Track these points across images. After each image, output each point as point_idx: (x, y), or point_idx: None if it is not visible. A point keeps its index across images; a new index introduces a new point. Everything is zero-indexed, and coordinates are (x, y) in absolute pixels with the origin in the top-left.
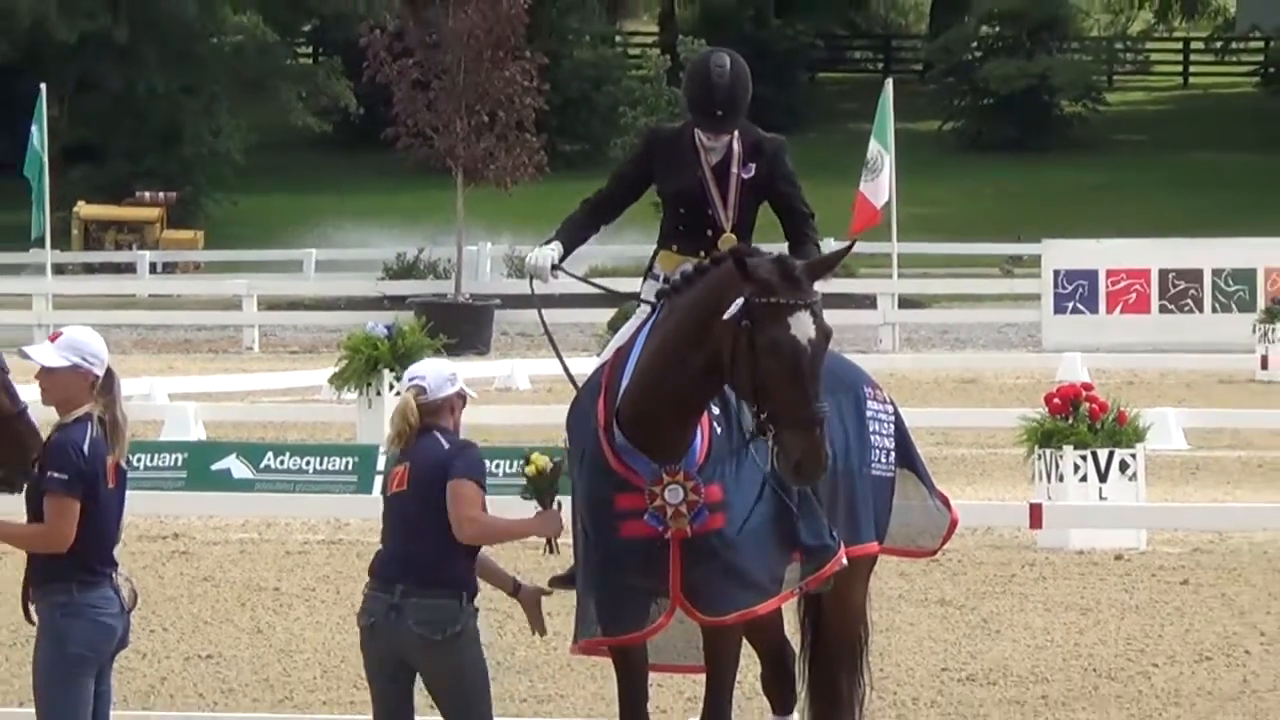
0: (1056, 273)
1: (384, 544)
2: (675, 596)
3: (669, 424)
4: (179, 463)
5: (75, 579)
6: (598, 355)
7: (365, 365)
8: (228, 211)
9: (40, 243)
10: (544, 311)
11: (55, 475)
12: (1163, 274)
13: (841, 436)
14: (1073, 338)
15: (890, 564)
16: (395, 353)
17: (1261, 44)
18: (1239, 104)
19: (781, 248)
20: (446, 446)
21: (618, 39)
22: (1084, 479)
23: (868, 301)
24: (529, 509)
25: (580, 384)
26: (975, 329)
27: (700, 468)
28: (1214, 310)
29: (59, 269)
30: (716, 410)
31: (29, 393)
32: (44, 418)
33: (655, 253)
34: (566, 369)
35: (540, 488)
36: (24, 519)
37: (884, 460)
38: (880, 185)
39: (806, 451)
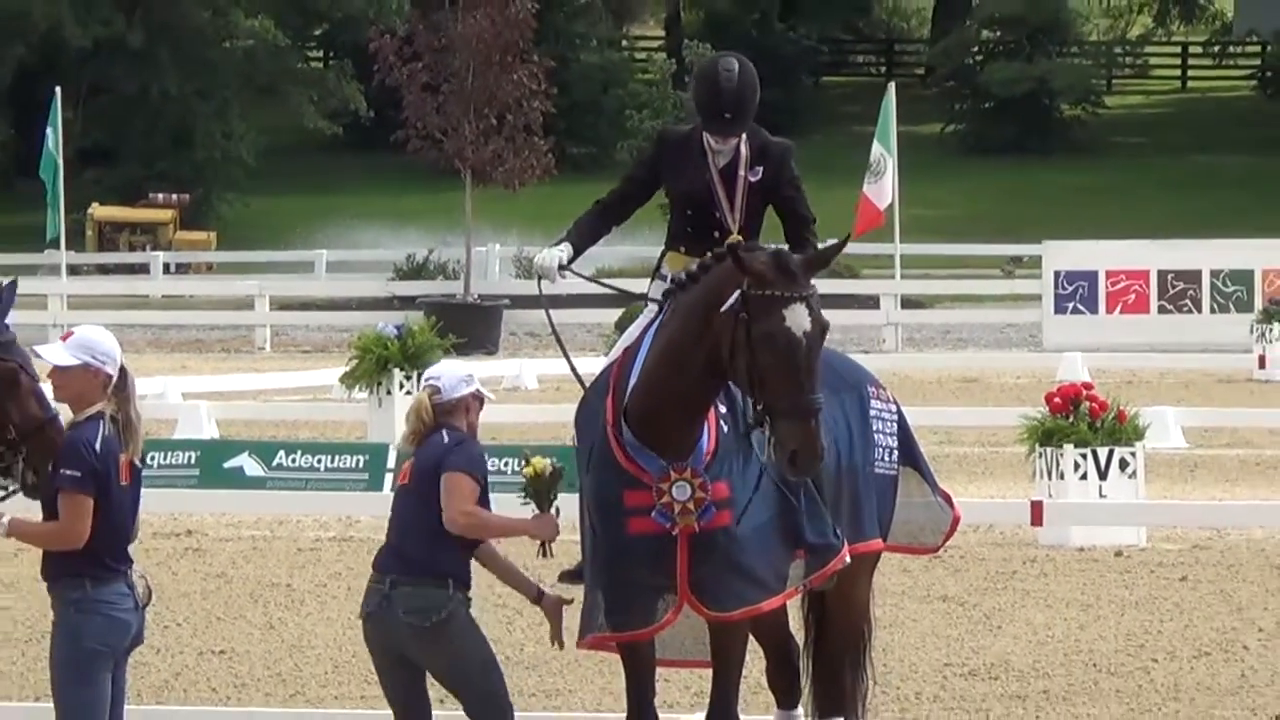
0: (1057, 274)
1: (386, 537)
2: (682, 593)
3: (676, 421)
4: (192, 460)
5: (89, 575)
6: (605, 355)
7: (376, 365)
8: (240, 213)
9: (55, 244)
10: (552, 312)
11: (68, 473)
12: (1162, 275)
13: (845, 435)
14: (1073, 338)
15: (893, 560)
16: (405, 352)
17: (1259, 48)
18: (1237, 107)
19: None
20: (445, 441)
21: (624, 43)
22: (1084, 477)
23: (871, 302)
24: (530, 510)
25: (587, 383)
26: (977, 329)
27: (707, 465)
28: (1212, 311)
29: (73, 270)
30: (724, 409)
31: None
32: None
33: (663, 254)
34: (573, 368)
35: (538, 490)
36: (39, 518)
37: (887, 459)
38: (883, 187)
39: (802, 442)
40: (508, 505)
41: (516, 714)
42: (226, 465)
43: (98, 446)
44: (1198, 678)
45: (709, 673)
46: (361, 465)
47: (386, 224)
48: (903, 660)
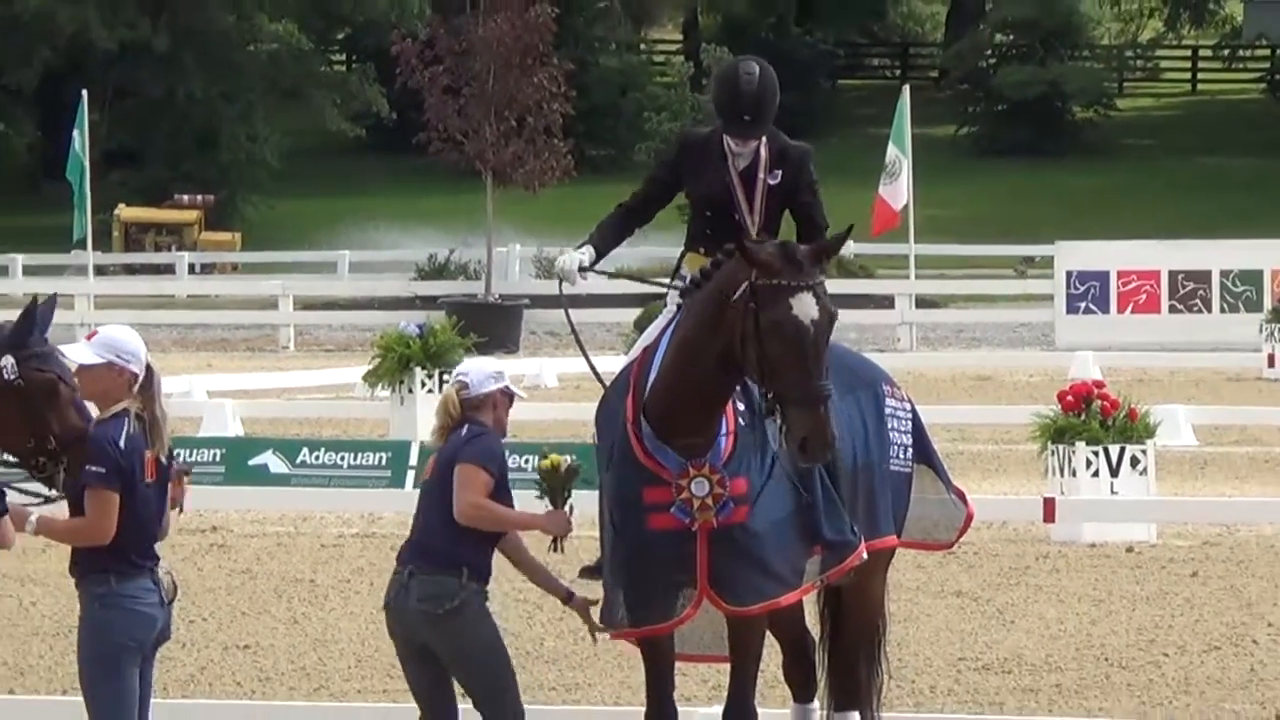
0: (1069, 274)
1: (410, 531)
2: (702, 587)
3: (693, 417)
4: (217, 458)
5: (114, 570)
6: (624, 354)
7: (398, 363)
8: (264, 214)
9: (82, 244)
10: (572, 311)
11: (93, 469)
12: (1172, 275)
13: (861, 433)
14: (1085, 337)
15: (908, 556)
16: (427, 351)
17: (1268, 52)
18: (1246, 110)
19: None
20: (463, 434)
21: (643, 47)
22: (1096, 474)
23: (886, 302)
24: (544, 505)
25: (607, 382)
26: (990, 328)
27: (725, 462)
28: (1222, 310)
29: (100, 270)
30: (741, 406)
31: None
32: None
33: (682, 255)
34: (593, 368)
35: (552, 485)
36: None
37: (902, 456)
38: (899, 189)
39: (812, 429)
40: (525, 501)
41: (537, 708)
42: (251, 462)
43: (122, 443)
44: (1208, 672)
45: (726, 667)
46: (384, 463)
47: (408, 225)
48: (917, 654)
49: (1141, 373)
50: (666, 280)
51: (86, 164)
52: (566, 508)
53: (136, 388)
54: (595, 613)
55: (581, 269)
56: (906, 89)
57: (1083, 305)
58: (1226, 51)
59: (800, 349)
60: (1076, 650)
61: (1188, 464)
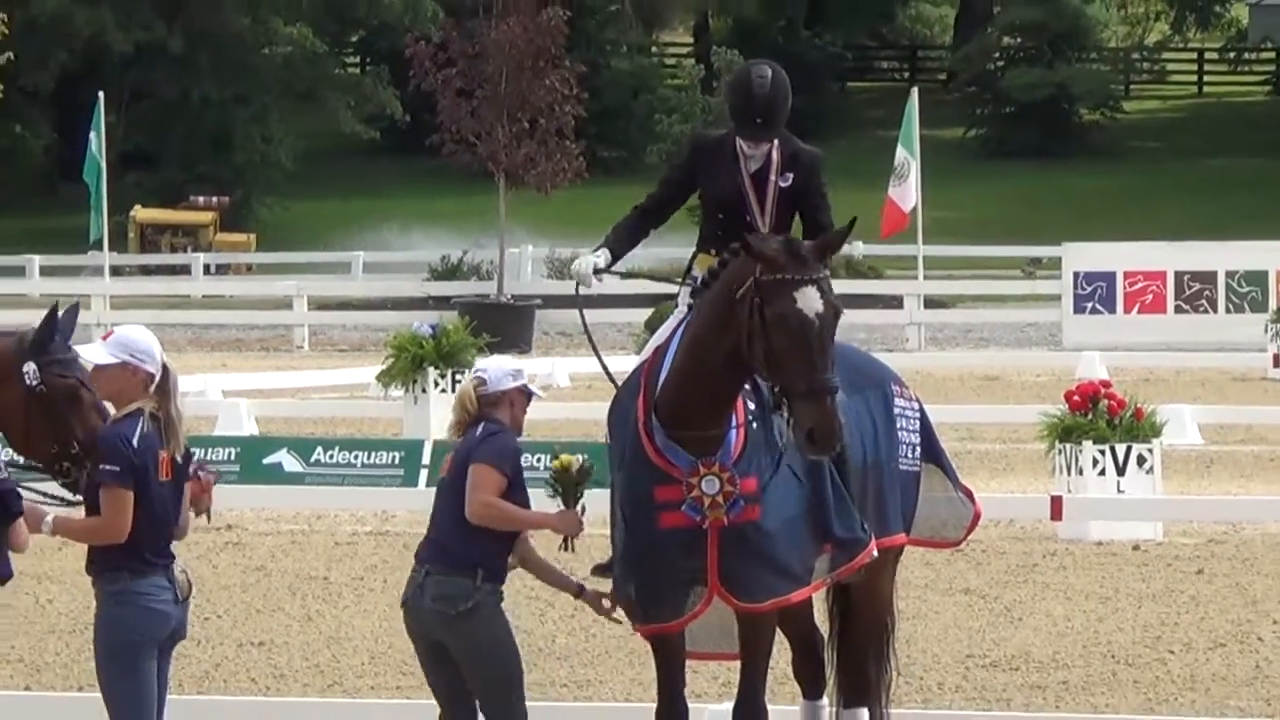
0: (1076, 274)
1: (427, 529)
2: (713, 584)
3: (703, 416)
4: (232, 457)
5: (127, 568)
6: (635, 354)
7: (411, 363)
8: (279, 215)
9: (98, 245)
10: (585, 312)
11: (107, 468)
12: (1178, 276)
13: (871, 432)
14: (1092, 337)
15: (916, 554)
16: (440, 351)
17: (1273, 54)
18: (1251, 112)
19: None
20: (479, 434)
21: (654, 50)
22: (1103, 473)
23: (895, 302)
24: (555, 505)
25: (619, 382)
26: (998, 328)
27: (736, 460)
28: (1228, 311)
29: (116, 270)
30: (753, 405)
31: None
32: None
33: (694, 257)
34: (605, 367)
35: (565, 485)
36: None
37: (910, 455)
38: (907, 190)
39: (818, 421)
40: (538, 499)
41: (549, 704)
42: (266, 461)
43: (135, 442)
44: (1213, 669)
45: (736, 664)
46: (397, 461)
47: (421, 226)
48: (925, 651)
49: (1148, 372)
50: (676, 286)
51: (103, 165)
52: (579, 507)
53: (153, 388)
54: (607, 603)
55: (597, 271)
56: (915, 91)
57: (1090, 305)
58: (1232, 54)
59: (805, 341)
60: (1083, 647)
61: (1193, 463)
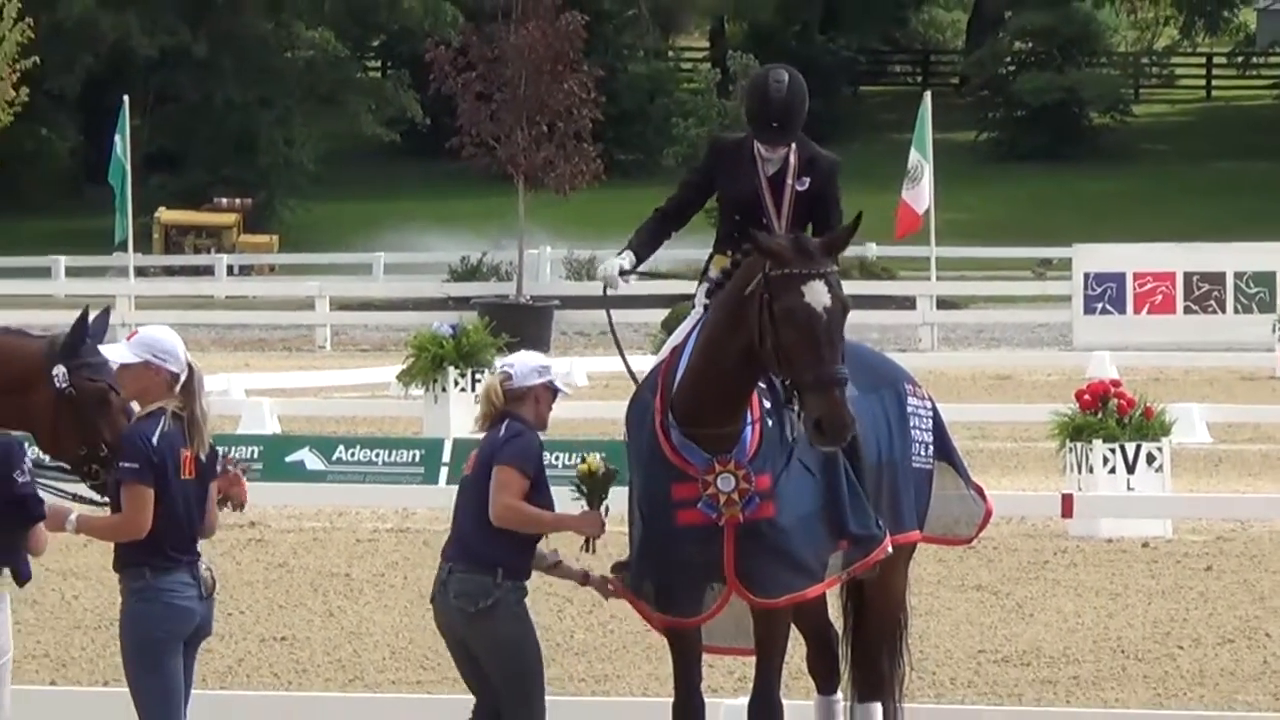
0: (1086, 275)
1: (451, 525)
2: (730, 581)
3: (718, 414)
4: (255, 455)
5: (149, 564)
6: (652, 354)
7: (431, 363)
8: (301, 217)
9: (123, 246)
10: (602, 313)
11: (126, 465)
12: (1187, 277)
13: (885, 431)
14: (1102, 337)
15: (929, 551)
16: (460, 351)
17: None
18: (1259, 115)
19: None
20: (503, 433)
21: (670, 54)
22: (1113, 471)
23: (908, 303)
24: (578, 506)
25: (639, 379)
26: (1009, 329)
27: (751, 458)
28: (1236, 311)
29: (141, 271)
30: (768, 404)
31: None
32: None
33: (710, 258)
34: (628, 365)
35: (590, 487)
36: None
37: (923, 453)
38: (921, 193)
39: (827, 411)
40: (560, 497)
41: (567, 699)
42: (288, 459)
43: (154, 440)
44: (1222, 664)
45: (752, 659)
46: (417, 459)
47: (442, 227)
48: (938, 647)
49: (1157, 372)
50: (693, 287)
51: (128, 168)
52: (602, 509)
53: (178, 387)
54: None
55: (622, 273)
56: (928, 95)
57: (1100, 306)
58: (1240, 59)
59: (813, 334)
60: (1094, 643)
61: (1202, 461)
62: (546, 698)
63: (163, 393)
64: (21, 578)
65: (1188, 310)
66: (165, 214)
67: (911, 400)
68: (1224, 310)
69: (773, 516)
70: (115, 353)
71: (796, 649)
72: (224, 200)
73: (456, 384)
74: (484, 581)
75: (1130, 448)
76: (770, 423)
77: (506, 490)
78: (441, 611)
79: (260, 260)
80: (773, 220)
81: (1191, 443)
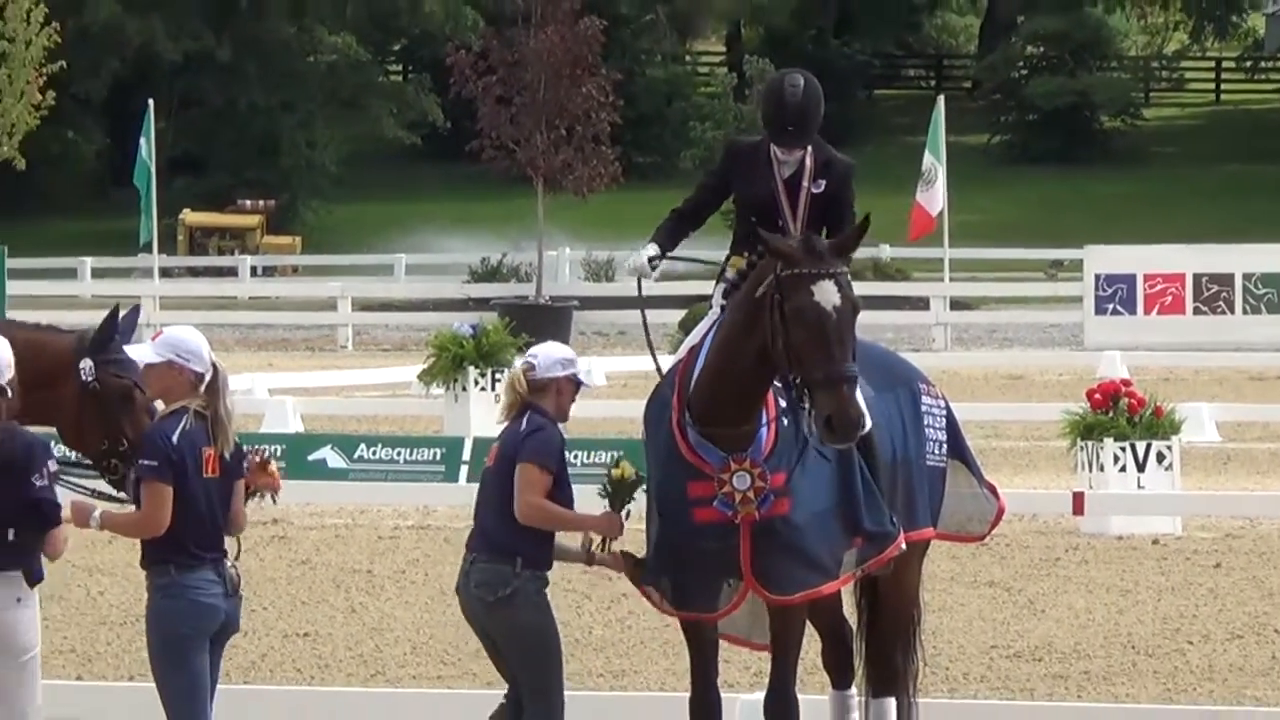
0: (1097, 276)
1: (473, 517)
2: (747, 578)
3: (734, 412)
4: (278, 453)
5: (174, 562)
6: (670, 354)
7: (452, 362)
8: (323, 219)
9: (148, 248)
10: (620, 313)
11: (146, 463)
12: (1197, 278)
13: (900, 429)
14: (1113, 337)
15: (942, 547)
16: (480, 351)
17: None
18: (1267, 119)
19: None
20: (523, 427)
21: (687, 58)
22: (1123, 469)
23: (921, 303)
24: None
25: (662, 373)
26: (1021, 329)
27: (766, 457)
28: (1245, 312)
29: (165, 272)
30: (784, 403)
31: None
32: None
33: (727, 259)
34: (655, 358)
35: (618, 491)
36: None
37: (937, 451)
38: (935, 195)
39: (837, 408)
40: (581, 495)
41: (586, 694)
42: (311, 458)
43: (175, 439)
44: (1231, 659)
45: (768, 654)
46: (438, 458)
47: (462, 229)
48: (951, 642)
49: (1167, 372)
50: (710, 288)
51: (153, 170)
52: (623, 512)
53: (203, 387)
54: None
55: (651, 261)
56: (941, 99)
57: (1111, 307)
58: (1249, 63)
59: (823, 333)
60: (1104, 638)
61: (1212, 459)
62: (565, 692)
63: (186, 392)
64: (33, 578)
65: (1197, 311)
66: (189, 216)
67: (926, 399)
68: (1233, 311)
69: (788, 514)
70: (140, 353)
71: (812, 644)
72: (247, 202)
73: (477, 383)
74: (504, 571)
75: (1140, 446)
76: (786, 421)
77: (531, 489)
78: (464, 601)
79: (283, 261)
80: (788, 222)
81: (1201, 441)
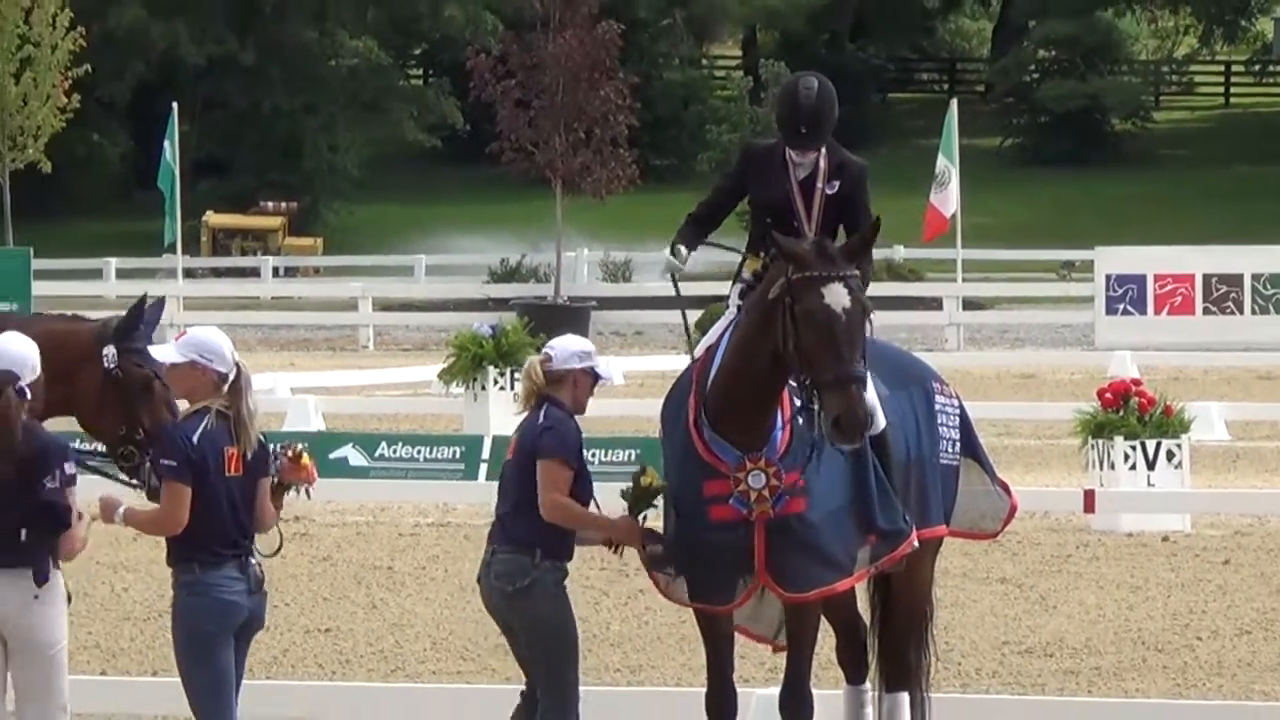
0: (1108, 277)
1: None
2: (760, 574)
3: (749, 412)
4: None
5: (197, 560)
6: (687, 354)
7: (471, 362)
8: (345, 220)
9: (172, 249)
10: (637, 312)
11: (165, 463)
12: (1206, 278)
13: (914, 428)
14: (1123, 337)
15: (955, 544)
16: (499, 350)
17: None
18: (1276, 122)
19: None
20: (541, 421)
21: (704, 62)
22: (1133, 467)
23: (934, 303)
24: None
25: (693, 346)
26: (1033, 329)
27: (781, 456)
28: (1253, 312)
29: (189, 273)
30: (799, 403)
31: None
32: None
33: (743, 260)
34: (692, 350)
35: (639, 497)
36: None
37: (950, 450)
38: (948, 197)
39: (844, 409)
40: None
41: (603, 689)
42: (332, 456)
43: (195, 439)
44: (1239, 655)
45: (767, 647)
46: (458, 456)
47: (481, 230)
48: (963, 638)
49: (1177, 371)
50: (726, 288)
51: (177, 173)
52: (640, 518)
53: (225, 387)
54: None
55: (675, 252)
56: (954, 102)
57: (1121, 307)
58: (1258, 67)
59: (832, 335)
60: (1115, 634)
61: (1220, 458)
62: (582, 687)
63: (209, 392)
64: (40, 578)
65: (1206, 311)
66: (213, 217)
67: (939, 398)
68: (1242, 311)
69: (803, 512)
70: (163, 353)
71: (826, 640)
72: (270, 204)
73: (496, 382)
74: (523, 562)
75: (1150, 445)
76: (801, 421)
77: (554, 486)
78: (485, 592)
79: (305, 262)
80: (803, 223)
81: (1210, 440)
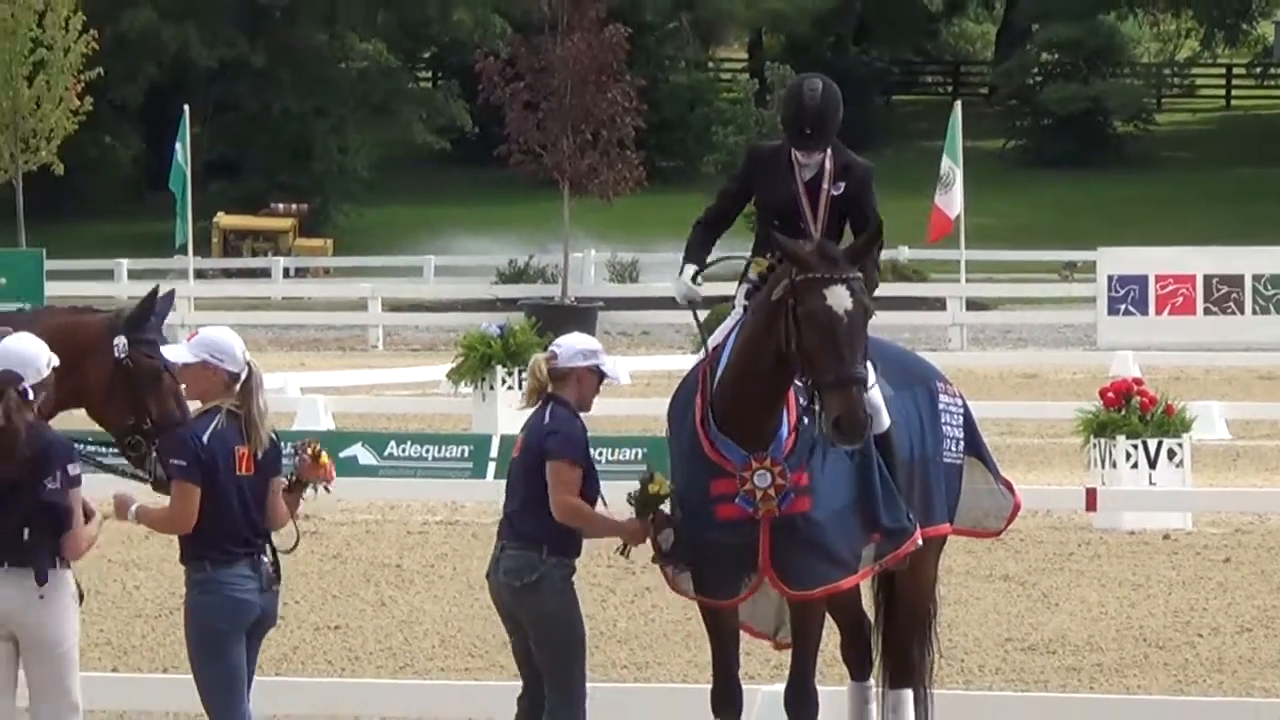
0: (1110, 278)
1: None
2: (765, 571)
3: (755, 413)
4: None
5: (209, 558)
6: (693, 354)
7: (480, 362)
8: (355, 222)
9: (183, 250)
10: (643, 313)
11: (175, 462)
12: (1207, 279)
13: (918, 427)
14: (1125, 337)
15: (958, 542)
16: (507, 350)
17: None
18: (1277, 124)
19: None
20: (547, 421)
21: (710, 65)
22: (1135, 466)
23: (938, 304)
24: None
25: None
26: (1036, 329)
27: (787, 455)
28: (1254, 312)
29: (200, 274)
30: (804, 402)
31: None
32: None
33: (749, 261)
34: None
35: (646, 502)
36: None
37: (954, 449)
38: (952, 198)
39: (845, 409)
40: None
41: (610, 685)
42: (342, 455)
43: (205, 438)
44: (1240, 652)
45: (769, 644)
46: (466, 455)
47: (490, 231)
48: (967, 635)
49: (1178, 371)
50: (733, 289)
51: (188, 175)
52: (648, 520)
53: (237, 386)
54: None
55: (694, 279)
56: (958, 105)
57: (1123, 307)
58: (1259, 69)
59: (834, 336)
60: (1117, 631)
61: (1221, 456)
62: (589, 684)
63: (221, 392)
64: (40, 578)
65: (1207, 311)
66: (224, 219)
67: (943, 398)
68: (1243, 311)
69: (808, 511)
70: (175, 353)
71: (831, 637)
72: (280, 206)
73: (504, 382)
74: (530, 557)
75: (1152, 444)
76: (806, 420)
77: (564, 487)
78: (493, 587)
79: (315, 263)
80: (809, 224)
81: (1211, 439)
